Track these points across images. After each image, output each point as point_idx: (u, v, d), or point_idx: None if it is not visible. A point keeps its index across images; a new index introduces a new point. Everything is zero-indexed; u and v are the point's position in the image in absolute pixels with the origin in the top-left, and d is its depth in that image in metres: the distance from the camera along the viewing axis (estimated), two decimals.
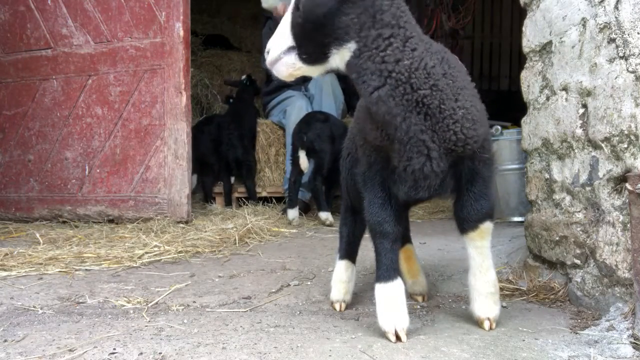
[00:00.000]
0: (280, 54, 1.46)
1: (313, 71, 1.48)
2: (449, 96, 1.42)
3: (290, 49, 1.44)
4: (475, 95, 1.54)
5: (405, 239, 1.99)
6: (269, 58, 1.48)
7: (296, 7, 1.43)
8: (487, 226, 1.59)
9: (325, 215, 3.93)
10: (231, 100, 5.33)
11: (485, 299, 1.60)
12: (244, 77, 5.30)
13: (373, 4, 1.39)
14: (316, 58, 1.44)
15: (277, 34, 1.48)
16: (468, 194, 1.55)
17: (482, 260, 1.61)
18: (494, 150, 1.63)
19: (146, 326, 1.63)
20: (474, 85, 1.56)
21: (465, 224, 1.57)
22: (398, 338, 1.47)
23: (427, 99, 1.38)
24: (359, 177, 1.65)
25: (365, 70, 1.38)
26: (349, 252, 1.91)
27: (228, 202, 4.81)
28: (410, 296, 1.94)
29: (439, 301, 1.95)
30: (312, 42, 1.42)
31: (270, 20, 4.83)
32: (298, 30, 1.43)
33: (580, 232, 1.78)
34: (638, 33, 1.52)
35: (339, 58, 1.41)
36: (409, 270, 1.96)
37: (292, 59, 1.44)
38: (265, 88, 5.21)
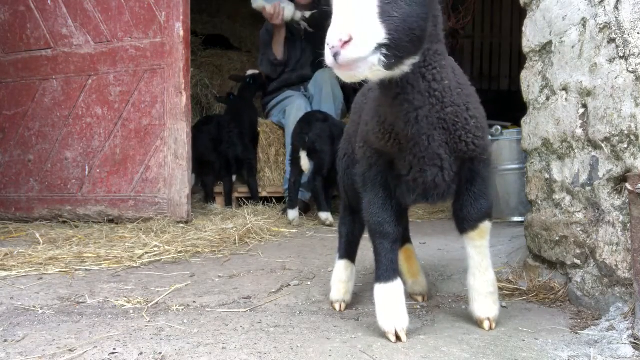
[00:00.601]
0: (370, 53, 1.15)
1: (377, 78, 1.27)
2: (462, 108, 1.41)
3: (380, 47, 1.16)
4: (477, 97, 1.53)
5: (405, 239, 1.99)
6: (347, 56, 1.14)
7: None
8: (487, 225, 1.59)
9: (325, 216, 3.93)
10: (231, 97, 5.29)
11: (484, 299, 1.60)
12: (248, 73, 5.27)
13: (439, 12, 1.32)
14: (398, 63, 1.23)
15: (350, 22, 1.15)
16: (468, 193, 1.54)
17: (481, 260, 1.61)
18: (492, 151, 1.63)
19: (146, 326, 1.63)
20: (471, 85, 1.56)
21: (466, 223, 1.57)
22: (398, 338, 1.46)
23: (449, 116, 1.39)
24: (358, 178, 1.63)
25: (412, 88, 1.31)
26: (349, 251, 1.91)
27: (228, 202, 4.80)
28: (410, 296, 1.94)
29: (439, 301, 1.95)
30: (409, 41, 1.21)
31: (267, 22, 4.83)
32: (399, 22, 1.17)
33: (580, 232, 1.78)
34: (638, 33, 1.52)
35: (401, 71, 1.27)
36: (409, 270, 1.96)
37: (377, 59, 1.17)
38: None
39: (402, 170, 1.48)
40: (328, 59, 1.17)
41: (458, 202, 1.57)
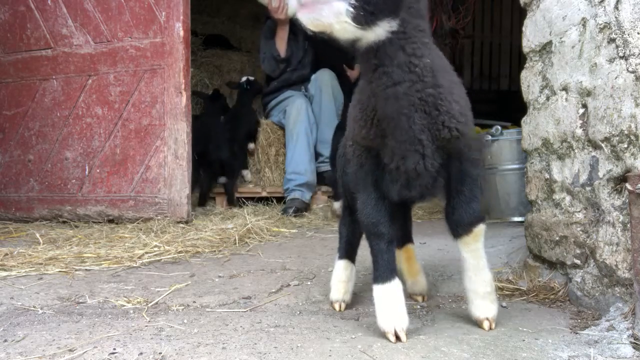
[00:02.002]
0: None
1: (346, 35, 1.20)
2: (446, 90, 1.35)
3: None
4: (462, 88, 1.50)
5: (407, 239, 1.99)
6: None
7: None
8: (481, 228, 1.54)
9: (337, 205, 3.93)
10: (247, 85, 5.18)
11: (482, 300, 1.59)
12: (243, 79, 5.28)
13: None
14: (369, 19, 1.18)
15: None
16: (458, 196, 1.50)
17: (477, 262, 1.57)
18: (483, 150, 1.60)
19: (146, 326, 1.63)
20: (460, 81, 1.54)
21: (460, 228, 1.52)
22: (398, 338, 1.46)
23: (430, 97, 1.32)
24: (351, 178, 1.61)
25: (391, 60, 1.25)
26: (349, 252, 1.91)
27: (231, 202, 4.79)
28: (410, 296, 1.94)
29: (439, 301, 1.95)
30: None
31: (270, 20, 4.83)
32: None
33: (580, 232, 1.78)
34: (638, 33, 1.52)
35: (375, 34, 1.22)
36: (409, 270, 1.96)
37: (343, 6, 1.14)
38: (265, 88, 5.21)
39: (385, 159, 1.43)
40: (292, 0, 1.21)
41: (449, 205, 1.52)
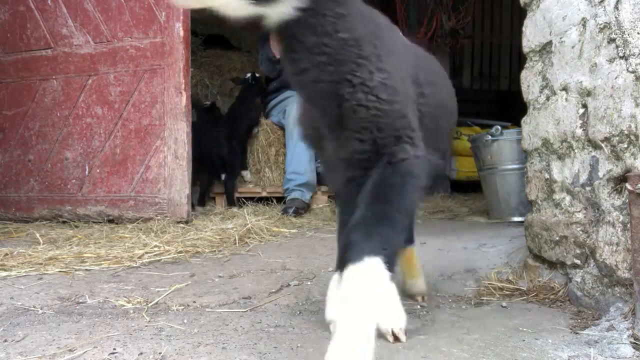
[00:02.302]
0: None
1: (238, 13, 1.01)
2: (367, 61, 1.10)
3: None
4: (430, 60, 1.26)
5: (407, 239, 1.96)
6: None
7: None
8: (375, 266, 1.02)
9: None
10: (250, 81, 5.15)
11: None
12: (248, 75, 5.26)
13: None
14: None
15: None
16: (361, 210, 1.08)
17: (352, 314, 1.04)
18: (421, 161, 1.15)
19: (146, 326, 1.63)
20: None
21: (349, 251, 1.07)
22: (396, 338, 1.46)
23: (346, 75, 1.08)
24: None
25: (301, 44, 1.06)
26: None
27: (231, 202, 4.79)
28: (410, 296, 1.94)
29: (439, 301, 1.95)
30: None
31: None
32: None
33: (580, 232, 1.78)
34: (638, 33, 1.52)
35: (277, 13, 1.01)
36: (409, 270, 1.96)
37: None
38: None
39: (326, 154, 1.25)
40: None
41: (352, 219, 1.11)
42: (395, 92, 1.12)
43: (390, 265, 1.02)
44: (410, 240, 1.96)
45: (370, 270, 1.00)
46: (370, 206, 1.07)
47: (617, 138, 1.58)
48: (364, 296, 0.99)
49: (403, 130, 1.13)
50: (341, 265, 1.04)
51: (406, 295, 1.90)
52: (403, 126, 1.13)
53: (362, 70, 1.08)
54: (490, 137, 3.81)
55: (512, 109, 3.87)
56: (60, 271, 2.37)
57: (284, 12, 1.01)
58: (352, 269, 1.00)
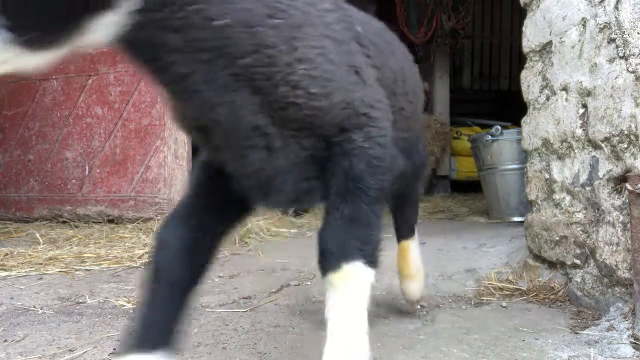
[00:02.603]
0: None
1: (39, 61, 0.72)
2: (280, 49, 0.88)
3: None
4: (335, 41, 0.97)
5: (401, 234, 1.76)
6: None
7: None
8: (356, 270, 0.96)
9: None
10: None
11: None
12: None
13: None
14: (55, 37, 0.70)
15: None
16: (333, 214, 0.98)
17: (342, 320, 0.98)
18: (387, 147, 1.02)
19: None
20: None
21: (324, 260, 0.98)
22: None
23: (254, 68, 0.87)
24: None
25: (160, 48, 0.82)
26: None
27: None
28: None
29: (439, 301, 1.95)
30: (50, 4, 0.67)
31: None
32: None
33: (580, 232, 1.78)
34: (638, 33, 1.52)
35: (96, 33, 0.73)
36: (403, 269, 1.77)
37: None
38: None
39: (228, 168, 1.03)
40: None
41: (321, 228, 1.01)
42: (329, 80, 0.94)
43: (372, 261, 0.97)
44: (402, 235, 1.76)
45: (351, 275, 0.95)
46: (335, 207, 0.98)
47: (617, 138, 1.58)
48: (350, 303, 0.96)
49: (348, 121, 0.98)
50: (323, 273, 0.98)
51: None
52: (348, 116, 0.98)
53: (272, 61, 0.87)
54: (490, 137, 3.81)
55: (512, 109, 3.87)
56: (60, 271, 2.37)
57: (118, 22, 0.75)
58: (333, 277, 0.96)
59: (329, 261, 0.96)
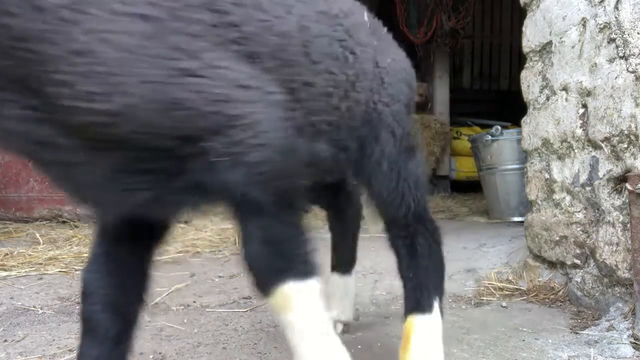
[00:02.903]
0: None
1: None
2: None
3: None
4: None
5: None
6: None
7: None
8: (290, 290, 0.83)
9: None
10: None
11: None
12: None
13: None
14: None
15: None
16: (245, 229, 0.85)
17: (297, 345, 0.86)
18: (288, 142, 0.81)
19: (146, 326, 1.63)
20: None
21: (257, 289, 0.88)
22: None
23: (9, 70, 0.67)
24: None
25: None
26: (339, 261, 1.59)
27: None
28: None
29: None
30: None
31: None
32: None
33: (580, 232, 1.78)
34: (638, 33, 1.52)
35: None
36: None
37: None
38: None
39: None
40: None
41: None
42: (114, 75, 0.67)
43: (305, 272, 0.84)
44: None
45: (288, 296, 0.84)
46: (243, 231, 0.85)
47: (617, 138, 1.58)
48: (302, 327, 0.85)
49: (188, 125, 0.73)
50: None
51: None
52: (183, 119, 0.72)
53: (39, 58, 0.65)
54: (490, 137, 3.81)
55: (512, 109, 3.87)
56: (60, 271, 2.37)
57: None
58: (273, 303, 0.85)
59: (261, 289, 0.85)
